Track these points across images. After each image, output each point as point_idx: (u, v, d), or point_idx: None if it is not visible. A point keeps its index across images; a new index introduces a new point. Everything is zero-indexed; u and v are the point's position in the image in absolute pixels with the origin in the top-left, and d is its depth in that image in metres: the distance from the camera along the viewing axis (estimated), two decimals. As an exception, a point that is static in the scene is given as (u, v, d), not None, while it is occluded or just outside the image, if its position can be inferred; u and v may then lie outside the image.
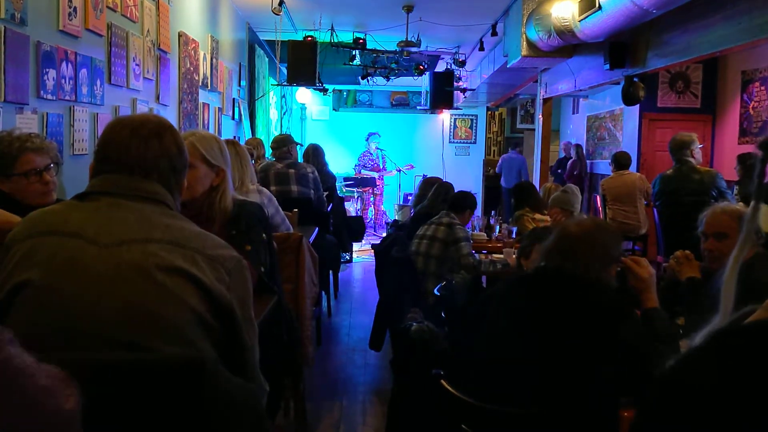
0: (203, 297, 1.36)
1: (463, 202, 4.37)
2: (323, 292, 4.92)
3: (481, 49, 8.07)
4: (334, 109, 12.19)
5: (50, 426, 0.98)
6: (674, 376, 0.64)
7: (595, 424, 1.70)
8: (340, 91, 11.95)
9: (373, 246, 4.70)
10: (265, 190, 3.25)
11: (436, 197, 4.72)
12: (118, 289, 1.31)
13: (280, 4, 6.21)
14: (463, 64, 8.79)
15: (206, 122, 5.69)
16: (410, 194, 10.39)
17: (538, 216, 4.73)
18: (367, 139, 10.64)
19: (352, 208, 9.72)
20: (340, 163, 10.67)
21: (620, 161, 6.57)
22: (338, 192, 7.11)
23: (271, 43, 8.40)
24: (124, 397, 1.28)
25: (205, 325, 1.37)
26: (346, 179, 10.08)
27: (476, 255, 4.24)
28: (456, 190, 4.68)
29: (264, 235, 2.21)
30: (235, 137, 6.52)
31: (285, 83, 7.58)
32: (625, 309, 1.87)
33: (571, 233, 1.97)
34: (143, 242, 1.35)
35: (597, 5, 4.62)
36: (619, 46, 5.49)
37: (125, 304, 1.31)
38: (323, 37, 7.45)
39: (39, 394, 0.95)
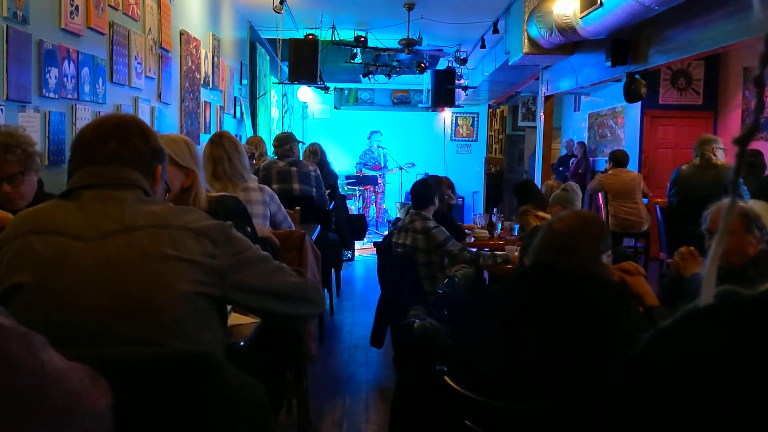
0: (194, 275, 1.37)
1: (426, 193, 4.06)
2: (325, 290, 4.93)
3: (483, 46, 8.06)
4: (335, 108, 12.17)
5: (84, 428, 0.98)
6: (653, 350, 0.65)
7: (599, 419, 1.69)
8: (342, 89, 11.93)
9: (375, 243, 4.70)
10: (266, 187, 3.26)
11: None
12: (107, 282, 1.33)
13: (282, 2, 6.20)
14: (464, 61, 8.78)
15: (207, 121, 5.69)
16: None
17: (541, 213, 4.72)
18: (369, 138, 10.64)
19: (353, 206, 9.72)
20: (341, 161, 10.66)
21: (619, 159, 6.61)
22: (340, 190, 7.11)
23: (273, 42, 8.40)
24: (127, 393, 1.28)
25: (200, 307, 1.38)
26: (347, 177, 10.08)
27: (473, 249, 4.19)
28: (453, 188, 4.60)
29: (248, 228, 2.22)
30: (237, 135, 6.52)
31: (286, 81, 7.57)
32: (625, 301, 1.87)
33: (557, 230, 1.96)
34: (126, 232, 1.37)
35: (598, 2, 4.61)
36: (621, 43, 5.48)
37: (116, 296, 1.32)
38: (324, 35, 7.45)
39: (72, 397, 0.95)
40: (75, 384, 0.97)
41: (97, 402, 1.00)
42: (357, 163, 10.65)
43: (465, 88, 9.41)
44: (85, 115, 3.24)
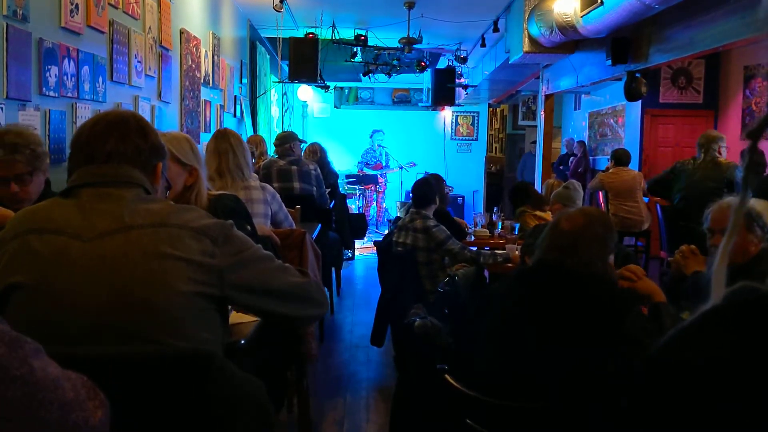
0: (193, 274, 1.37)
1: (429, 193, 4.06)
2: (326, 289, 4.91)
3: (483, 45, 8.06)
4: (335, 107, 12.16)
5: None
6: (671, 352, 0.63)
7: (599, 419, 1.69)
8: (342, 88, 11.92)
9: (376, 242, 4.70)
10: (267, 186, 3.26)
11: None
12: (106, 280, 1.32)
13: (282, 1, 6.20)
14: (464, 60, 8.77)
15: (208, 119, 5.68)
16: (412, 191, 10.38)
17: (539, 213, 4.72)
18: (371, 137, 10.64)
19: (354, 205, 9.72)
20: (341, 160, 10.66)
21: (621, 158, 6.60)
22: (341, 189, 7.11)
23: (273, 41, 8.39)
24: (127, 392, 1.28)
25: (199, 306, 1.38)
26: (348, 176, 10.08)
27: (473, 248, 4.19)
28: (451, 186, 4.59)
29: (248, 226, 2.21)
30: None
31: (286, 80, 7.57)
32: (629, 302, 1.86)
33: (563, 229, 1.94)
34: (125, 230, 1.36)
35: (599, 1, 4.60)
36: (621, 42, 5.47)
37: (114, 294, 1.32)
38: (325, 34, 7.44)
39: (64, 407, 0.93)
40: (68, 394, 0.94)
41: (92, 415, 0.98)
42: (359, 162, 10.65)
43: (465, 87, 9.41)
44: (85, 114, 3.23)
